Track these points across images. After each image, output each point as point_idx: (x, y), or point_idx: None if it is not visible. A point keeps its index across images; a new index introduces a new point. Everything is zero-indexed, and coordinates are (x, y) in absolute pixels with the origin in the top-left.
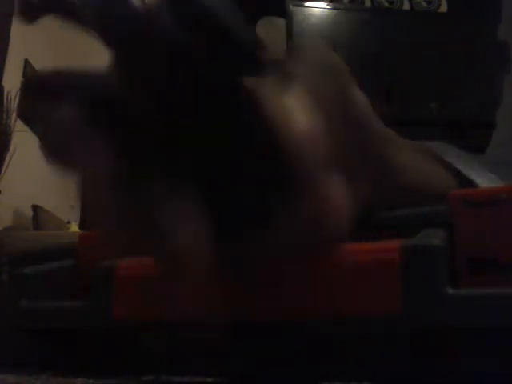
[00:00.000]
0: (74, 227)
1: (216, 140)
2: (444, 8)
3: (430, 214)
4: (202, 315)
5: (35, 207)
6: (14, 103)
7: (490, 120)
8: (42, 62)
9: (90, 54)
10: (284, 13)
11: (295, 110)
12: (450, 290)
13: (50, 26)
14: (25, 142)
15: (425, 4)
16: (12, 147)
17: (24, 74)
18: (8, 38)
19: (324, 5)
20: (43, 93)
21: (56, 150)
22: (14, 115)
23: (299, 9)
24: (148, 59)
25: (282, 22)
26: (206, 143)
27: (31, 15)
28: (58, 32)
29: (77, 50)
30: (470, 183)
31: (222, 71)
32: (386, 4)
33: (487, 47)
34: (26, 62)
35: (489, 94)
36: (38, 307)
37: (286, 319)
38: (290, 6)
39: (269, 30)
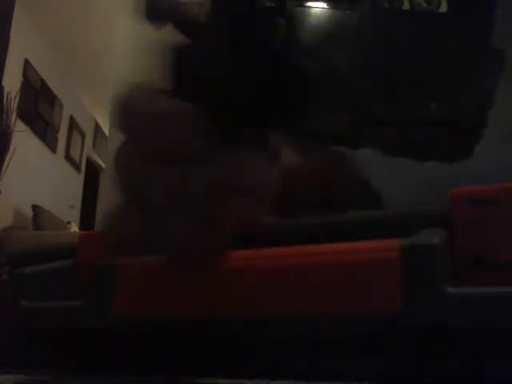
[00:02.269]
0: (74, 227)
1: None
2: (444, 8)
3: (430, 212)
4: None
5: (35, 207)
6: (14, 103)
7: (482, 121)
8: (42, 62)
9: (90, 53)
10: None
11: None
12: (450, 289)
13: (50, 26)
14: (25, 142)
15: (425, 4)
16: (12, 147)
17: (24, 74)
18: (8, 38)
19: (324, 5)
20: None
21: None
22: (14, 115)
23: (299, 9)
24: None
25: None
26: None
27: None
28: (57, 32)
29: (77, 50)
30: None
31: None
32: (386, 4)
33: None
34: (26, 61)
35: (484, 95)
36: (38, 307)
37: (285, 317)
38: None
39: None
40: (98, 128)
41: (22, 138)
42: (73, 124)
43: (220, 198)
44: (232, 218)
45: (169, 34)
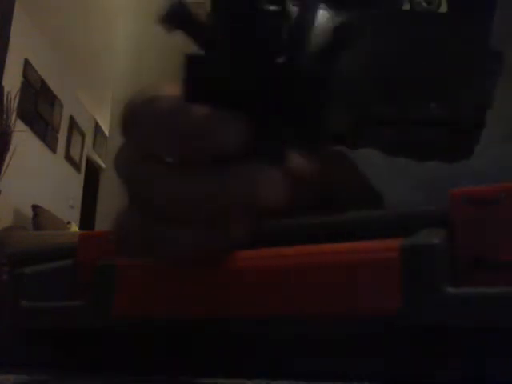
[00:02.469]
0: (74, 227)
1: None
2: (444, 8)
3: (430, 212)
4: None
5: (35, 207)
6: (14, 103)
7: (482, 121)
8: (42, 62)
9: (90, 53)
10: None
11: None
12: (450, 289)
13: (50, 26)
14: (25, 142)
15: (425, 4)
16: (12, 147)
17: (24, 74)
18: (8, 38)
19: (324, 6)
20: None
21: None
22: (14, 115)
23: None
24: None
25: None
26: None
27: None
28: (57, 32)
29: (77, 50)
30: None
31: None
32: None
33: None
34: (26, 61)
35: (484, 95)
36: (38, 307)
37: (285, 317)
38: (290, 6)
39: None
40: (98, 128)
41: (22, 138)
42: (73, 124)
43: (224, 206)
44: (235, 222)
45: (168, 37)
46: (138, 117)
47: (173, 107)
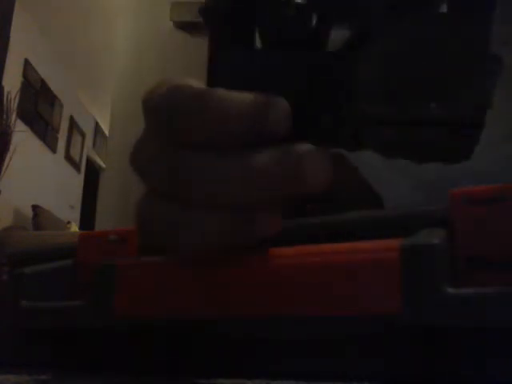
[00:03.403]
0: (74, 227)
1: None
2: (444, 8)
3: (430, 212)
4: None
5: (35, 207)
6: (14, 103)
7: (482, 121)
8: (42, 62)
9: (90, 53)
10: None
11: None
12: (450, 289)
13: (50, 26)
14: (25, 142)
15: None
16: (12, 147)
17: (24, 74)
18: (8, 37)
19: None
20: None
21: None
22: (14, 115)
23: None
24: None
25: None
26: None
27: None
28: (57, 32)
29: (77, 50)
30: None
31: None
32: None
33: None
34: (26, 61)
35: (484, 95)
36: (38, 307)
37: (285, 317)
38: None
39: None
40: (98, 128)
41: (22, 138)
42: (73, 124)
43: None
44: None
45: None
46: (171, 104)
47: (211, 92)
